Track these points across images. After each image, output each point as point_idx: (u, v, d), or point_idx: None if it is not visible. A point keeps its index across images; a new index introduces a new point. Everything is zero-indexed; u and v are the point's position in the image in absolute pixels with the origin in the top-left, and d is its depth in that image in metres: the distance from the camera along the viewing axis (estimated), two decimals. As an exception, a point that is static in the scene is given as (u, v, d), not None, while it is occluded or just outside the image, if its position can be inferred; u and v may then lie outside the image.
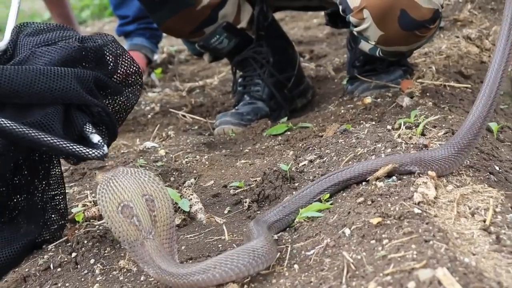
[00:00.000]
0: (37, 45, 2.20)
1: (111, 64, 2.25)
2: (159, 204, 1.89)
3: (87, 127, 2.15)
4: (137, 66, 2.33)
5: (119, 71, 2.28)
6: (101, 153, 2.11)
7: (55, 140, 2.06)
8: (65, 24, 4.93)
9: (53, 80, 2.08)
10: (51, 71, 2.09)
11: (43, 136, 2.05)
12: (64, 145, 2.07)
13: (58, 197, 2.32)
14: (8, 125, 2.03)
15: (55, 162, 2.30)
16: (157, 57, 4.66)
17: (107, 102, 2.27)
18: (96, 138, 2.14)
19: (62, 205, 2.33)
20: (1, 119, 2.03)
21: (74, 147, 2.08)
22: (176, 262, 1.87)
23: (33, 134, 2.04)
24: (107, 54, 2.25)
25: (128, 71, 2.30)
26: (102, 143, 2.13)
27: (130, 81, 2.31)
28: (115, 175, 1.90)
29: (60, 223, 2.33)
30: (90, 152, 2.10)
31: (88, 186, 2.74)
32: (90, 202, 2.53)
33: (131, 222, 1.85)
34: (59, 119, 2.10)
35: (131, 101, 2.32)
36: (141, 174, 1.92)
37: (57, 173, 2.32)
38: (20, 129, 2.03)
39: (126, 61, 2.30)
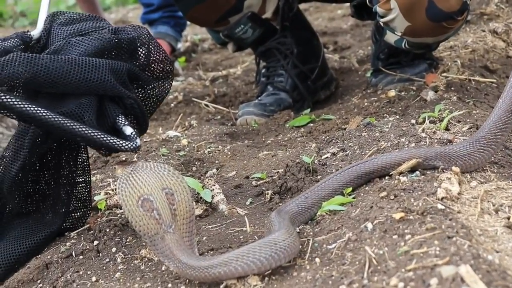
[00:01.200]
0: (71, 35, 2.21)
1: (144, 56, 2.25)
2: (179, 197, 1.89)
3: (120, 119, 2.15)
4: (169, 60, 2.33)
5: (151, 64, 2.28)
6: (134, 145, 2.11)
7: (90, 131, 2.07)
8: (89, 9, 4.95)
9: (89, 70, 2.09)
10: (87, 62, 2.10)
11: (78, 127, 2.05)
12: (98, 136, 2.08)
13: (83, 184, 2.33)
14: (43, 114, 2.03)
15: (81, 149, 2.31)
16: (180, 46, 4.67)
17: (138, 94, 2.28)
18: (129, 130, 2.14)
19: (86, 193, 2.34)
20: (36, 108, 2.03)
21: (108, 138, 2.09)
22: (197, 255, 1.87)
23: (68, 124, 2.04)
24: (140, 46, 2.25)
25: (160, 65, 2.30)
26: (135, 136, 2.13)
27: (161, 75, 2.31)
28: (134, 169, 1.92)
29: (84, 211, 2.34)
30: (124, 144, 2.10)
31: (110, 174, 2.74)
32: (113, 190, 2.54)
33: (152, 216, 1.86)
34: (93, 110, 2.11)
35: (162, 94, 2.33)
36: (161, 168, 1.93)
37: (84, 160, 2.33)
38: (56, 119, 2.04)
39: (159, 55, 2.30)
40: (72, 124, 2.05)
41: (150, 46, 2.27)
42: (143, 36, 2.26)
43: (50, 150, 2.25)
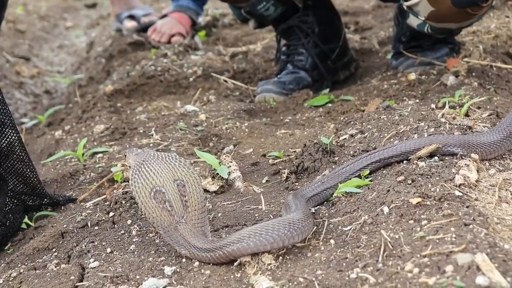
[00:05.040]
0: None
1: None
2: (190, 189, 1.91)
3: None
4: None
5: None
6: None
7: None
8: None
9: None
10: None
11: None
12: None
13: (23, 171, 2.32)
14: None
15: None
16: (201, 20, 4.65)
17: None
18: None
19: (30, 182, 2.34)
20: None
21: None
22: (210, 239, 1.88)
23: None
24: None
25: None
26: None
27: None
28: (146, 159, 1.93)
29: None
30: None
31: (128, 146, 2.75)
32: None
33: (164, 208, 1.88)
34: None
35: None
36: (172, 159, 1.95)
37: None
38: None
39: None
40: None
41: None
42: None
43: None
